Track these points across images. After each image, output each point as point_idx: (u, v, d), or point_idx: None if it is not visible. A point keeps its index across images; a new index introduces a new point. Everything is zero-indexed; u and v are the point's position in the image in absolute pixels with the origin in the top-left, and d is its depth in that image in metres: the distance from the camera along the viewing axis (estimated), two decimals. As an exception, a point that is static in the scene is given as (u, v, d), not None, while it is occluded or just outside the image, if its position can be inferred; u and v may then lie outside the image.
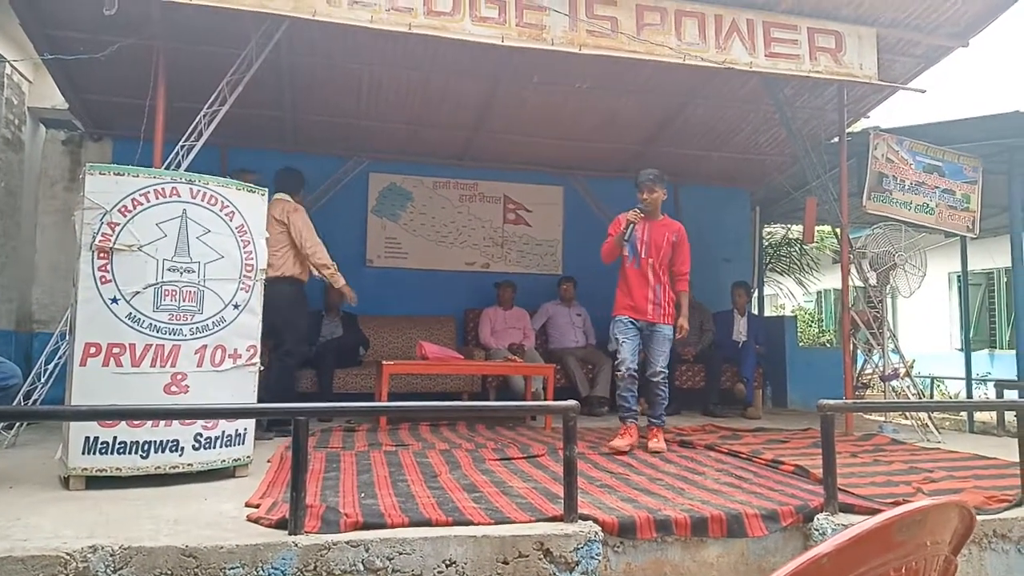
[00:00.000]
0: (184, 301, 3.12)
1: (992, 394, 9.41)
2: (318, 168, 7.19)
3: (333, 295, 6.40)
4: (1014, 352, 9.90)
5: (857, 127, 6.86)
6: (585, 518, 2.65)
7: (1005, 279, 10.82)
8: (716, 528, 2.80)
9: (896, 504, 3.09)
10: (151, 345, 3.06)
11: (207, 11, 4.32)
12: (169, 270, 3.11)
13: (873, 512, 2.95)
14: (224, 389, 3.17)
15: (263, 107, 6.35)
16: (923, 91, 5.67)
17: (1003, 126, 5.74)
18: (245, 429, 3.32)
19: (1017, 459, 3.61)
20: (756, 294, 9.17)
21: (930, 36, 5.58)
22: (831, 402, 3.03)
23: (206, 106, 4.59)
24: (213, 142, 5.12)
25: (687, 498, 3.11)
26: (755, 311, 8.89)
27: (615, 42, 4.89)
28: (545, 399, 5.94)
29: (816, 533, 2.86)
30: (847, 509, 2.94)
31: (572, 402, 2.72)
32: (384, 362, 5.22)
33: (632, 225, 4.58)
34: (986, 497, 3.20)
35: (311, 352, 5.81)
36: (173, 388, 3.07)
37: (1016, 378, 6.96)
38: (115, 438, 2.95)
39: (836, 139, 6.16)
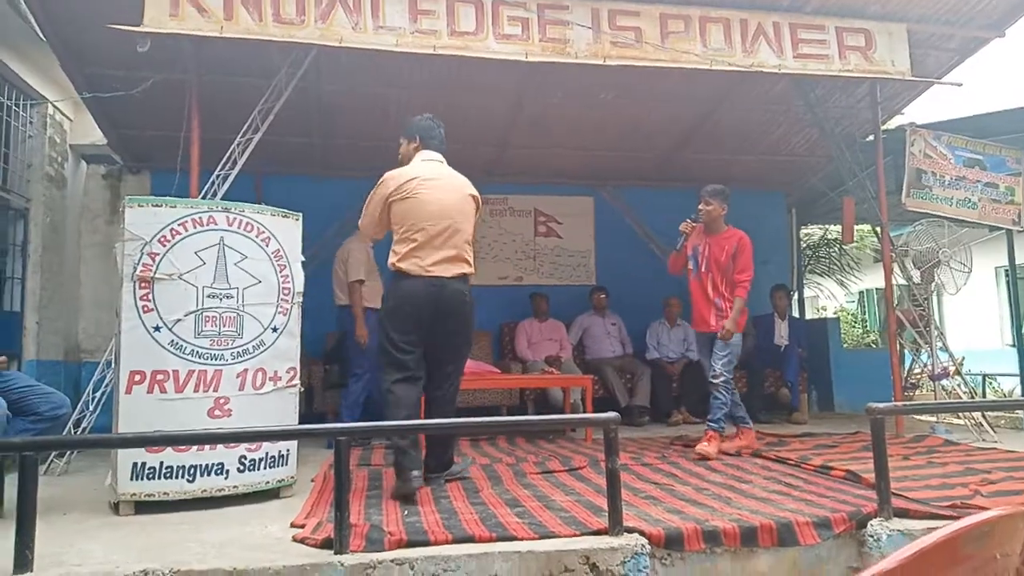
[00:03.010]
0: (224, 326, 3.17)
1: (1049, 391, 9.08)
2: (350, 191, 7.19)
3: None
4: (1069, 347, 9.56)
5: (892, 124, 6.72)
6: (631, 531, 2.61)
7: (1056, 271, 10.44)
8: (766, 537, 2.73)
9: (953, 507, 2.99)
10: (194, 371, 3.11)
11: (237, 43, 4.45)
12: (209, 296, 3.17)
13: (929, 516, 2.85)
14: (266, 411, 3.21)
15: (294, 134, 6.47)
16: (959, 84, 5.54)
17: (1044, 114, 5.58)
18: (288, 450, 3.35)
19: (1080, 458, 3.48)
20: (796, 296, 9.01)
21: (963, 29, 5.45)
22: (880, 405, 2.95)
23: (239, 135, 4.69)
24: (248, 170, 5.23)
25: (735, 507, 3.04)
26: (796, 314, 8.73)
27: (640, 52, 4.88)
28: (584, 410, 5.88)
29: (871, 540, 2.77)
30: (902, 514, 2.85)
31: (612, 414, 2.69)
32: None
33: (684, 236, 4.79)
34: (1050, 498, 3.07)
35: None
36: (216, 412, 3.12)
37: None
38: (162, 463, 3.01)
39: (871, 137, 6.05)
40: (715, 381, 4.56)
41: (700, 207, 4.75)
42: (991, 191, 5.85)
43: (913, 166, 5.74)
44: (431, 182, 3.54)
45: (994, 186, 5.84)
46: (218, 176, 4.64)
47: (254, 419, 3.14)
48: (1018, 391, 8.99)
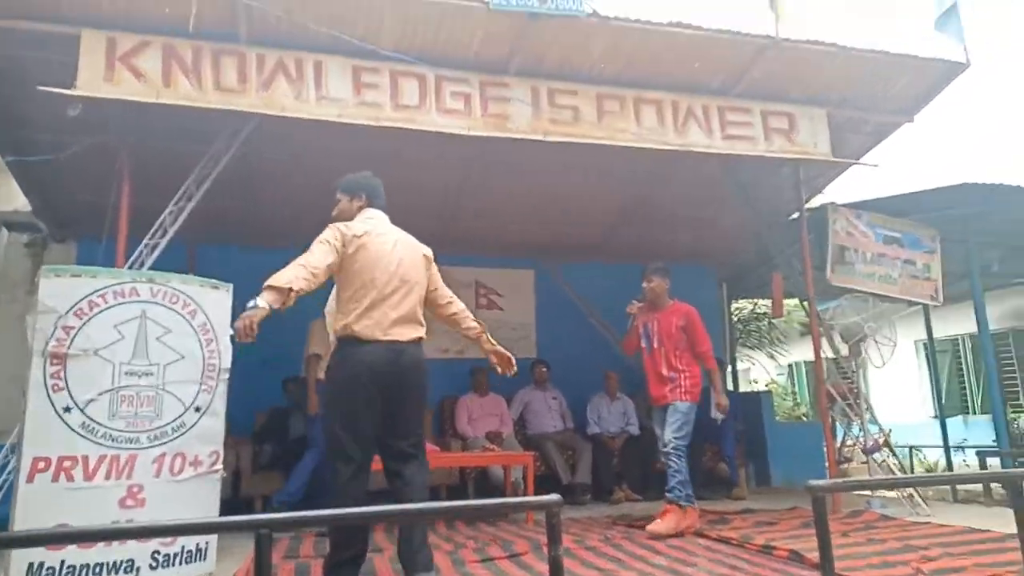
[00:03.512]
0: (142, 407, 2.96)
1: (971, 460, 9.40)
2: (287, 262, 7.10)
3: (293, 388, 6.20)
4: (987, 417, 10.00)
5: (815, 202, 7.04)
6: (577, 625, 2.47)
7: (970, 344, 11.01)
8: (716, 627, 2.63)
9: (897, 588, 2.96)
10: (106, 456, 2.87)
11: (173, 109, 4.35)
12: (126, 374, 2.96)
13: (876, 599, 2.81)
14: (184, 500, 2.97)
15: (231, 202, 6.29)
16: (875, 165, 5.90)
17: (956, 197, 5.94)
18: (207, 543, 3.10)
19: (1011, 531, 3.53)
20: (729, 370, 9.15)
21: (878, 114, 5.83)
22: (821, 483, 2.92)
23: (172, 203, 4.54)
24: (180, 239, 5.05)
25: (682, 594, 2.94)
26: (729, 387, 8.85)
27: (578, 128, 5.02)
28: (525, 488, 5.73)
29: (820, 626, 2.70)
30: (849, 598, 2.80)
31: (555, 496, 2.55)
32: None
33: (632, 317, 4.89)
34: (989, 576, 3.08)
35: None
36: (129, 502, 2.87)
37: (994, 443, 6.95)
38: (63, 562, 2.72)
39: (796, 215, 6.31)
40: (666, 449, 4.56)
41: (644, 284, 4.84)
42: (910, 267, 6.14)
43: (836, 243, 5.99)
44: (384, 236, 3.23)
45: (912, 263, 6.14)
46: (147, 245, 4.44)
47: (170, 509, 2.89)
48: (942, 462, 9.26)
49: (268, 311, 2.85)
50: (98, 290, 2.97)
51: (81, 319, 2.92)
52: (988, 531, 4.30)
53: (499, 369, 3.50)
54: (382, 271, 3.11)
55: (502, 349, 3.51)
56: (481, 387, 6.91)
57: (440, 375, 7.29)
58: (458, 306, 3.50)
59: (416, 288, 3.23)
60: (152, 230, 4.42)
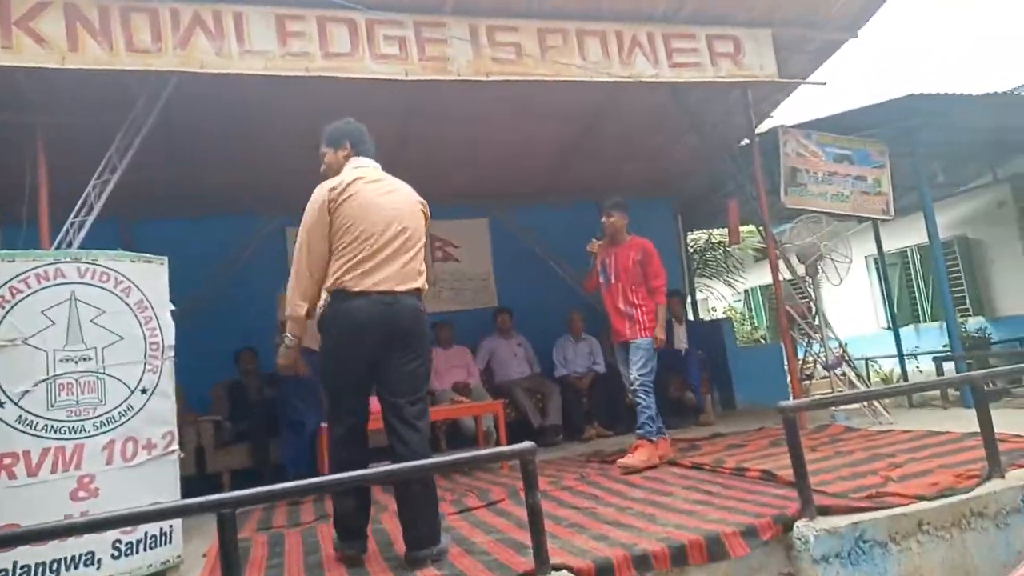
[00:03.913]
0: (83, 393, 2.78)
1: (923, 367, 9.74)
2: (230, 230, 6.85)
3: (245, 358, 6.05)
4: (937, 324, 10.34)
5: (764, 127, 7.00)
6: (558, 568, 2.45)
7: (919, 255, 11.28)
8: (696, 555, 2.64)
9: (869, 496, 3.02)
10: (49, 448, 2.70)
11: (83, 76, 4.03)
12: (62, 361, 2.77)
13: (850, 511, 2.85)
14: (141, 485, 2.83)
15: (160, 172, 5.97)
16: (823, 83, 5.87)
17: (902, 110, 5.94)
18: (171, 526, 2.98)
19: (968, 430, 3.63)
20: (689, 300, 9.23)
21: (822, 32, 5.75)
22: (791, 403, 2.96)
23: (94, 177, 4.25)
24: (110, 215, 4.75)
25: (661, 525, 2.95)
26: (690, 317, 8.94)
27: (521, 67, 4.84)
28: (497, 436, 5.70)
29: (798, 543, 2.74)
30: (824, 511, 2.84)
31: (529, 444, 2.53)
32: (322, 424, 4.88)
33: (592, 255, 4.86)
34: (955, 476, 3.16)
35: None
36: (81, 493, 2.72)
37: (946, 347, 7.18)
38: (16, 563, 2.57)
39: (746, 141, 6.26)
40: (633, 387, 4.57)
41: (603, 219, 4.79)
42: (861, 184, 6.17)
43: (788, 165, 5.97)
44: (376, 184, 2.98)
45: (863, 179, 6.17)
46: (72, 224, 4.16)
47: (128, 496, 2.75)
48: (897, 370, 9.57)
49: (298, 341, 2.97)
50: (18, 275, 2.74)
51: (3, 308, 2.71)
52: (947, 432, 4.44)
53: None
54: (372, 222, 2.88)
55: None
56: (445, 340, 6.82)
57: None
58: None
59: (414, 237, 2.99)
60: (76, 207, 4.14)
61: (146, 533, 2.85)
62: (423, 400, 2.98)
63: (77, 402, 2.77)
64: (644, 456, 4.42)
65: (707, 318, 11.81)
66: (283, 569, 2.93)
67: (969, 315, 10.71)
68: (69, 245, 4.04)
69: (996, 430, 3.38)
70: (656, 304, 4.68)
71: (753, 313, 15.97)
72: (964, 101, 5.91)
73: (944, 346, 8.39)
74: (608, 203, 4.81)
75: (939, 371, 6.47)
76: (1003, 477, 3.12)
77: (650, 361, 4.59)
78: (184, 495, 3.77)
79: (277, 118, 5.67)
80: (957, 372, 6.57)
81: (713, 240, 11.60)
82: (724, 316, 13.16)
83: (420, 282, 2.99)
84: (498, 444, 5.62)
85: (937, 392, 6.39)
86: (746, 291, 15.13)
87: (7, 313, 2.72)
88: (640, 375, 4.54)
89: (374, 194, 2.94)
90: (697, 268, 11.09)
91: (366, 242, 2.85)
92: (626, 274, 4.68)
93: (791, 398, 5.68)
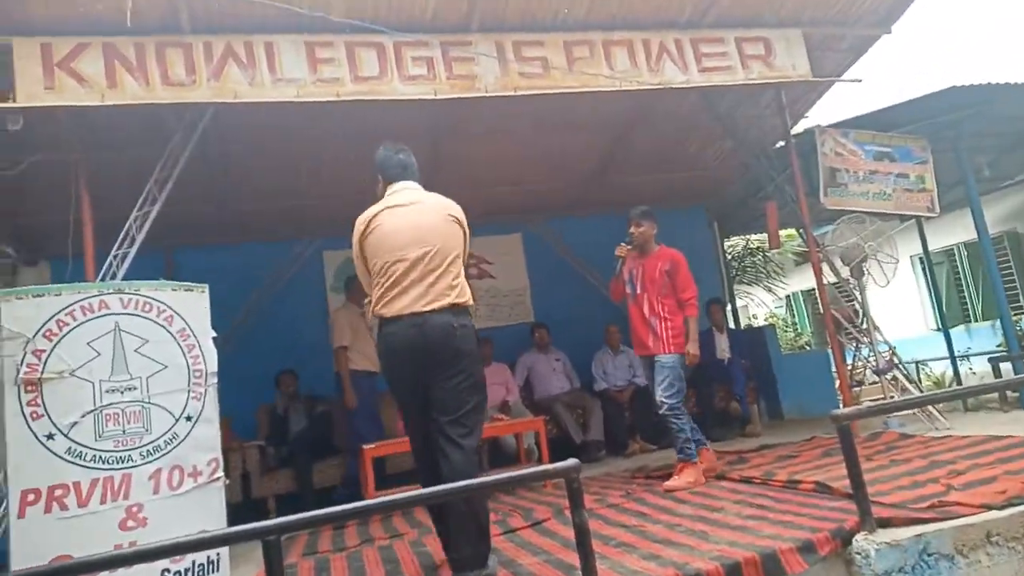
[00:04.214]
0: (129, 423, 2.82)
1: (976, 368, 9.38)
2: (268, 256, 6.95)
3: (286, 382, 6.10)
4: (988, 323, 9.98)
5: (800, 127, 6.87)
6: (610, 590, 2.38)
7: (966, 252, 10.93)
8: (752, 572, 2.55)
9: (932, 506, 2.89)
10: (98, 479, 2.74)
11: (121, 112, 4.13)
12: (108, 391, 2.81)
13: (912, 522, 2.73)
14: (188, 514, 2.84)
15: (201, 202, 6.10)
16: (859, 80, 5.71)
17: (942, 104, 5.77)
18: (219, 554, 2.98)
19: (1035, 434, 3.46)
20: (729, 308, 9.07)
21: (854, 28, 5.62)
22: (846, 411, 2.84)
23: (135, 210, 4.34)
24: (154, 246, 4.87)
25: (713, 542, 2.85)
26: (731, 325, 8.77)
27: (549, 80, 4.82)
28: (539, 453, 5.64)
29: (859, 557, 2.62)
30: (884, 524, 2.72)
31: (573, 461, 2.46)
32: (364, 446, 4.89)
33: (620, 260, 4.71)
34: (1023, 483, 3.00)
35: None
36: (130, 523, 2.75)
37: (1003, 347, 6.91)
38: (68, 593, 2.59)
39: (781, 143, 6.14)
40: (662, 412, 4.36)
41: (631, 230, 4.66)
42: (903, 181, 6.00)
43: (827, 165, 5.83)
44: (401, 208, 3.06)
45: (905, 176, 5.99)
46: (116, 256, 4.25)
47: (175, 524, 2.76)
48: (949, 373, 9.25)
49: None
50: (65, 308, 2.80)
51: (51, 340, 2.76)
52: (1010, 436, 4.24)
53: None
54: (390, 250, 2.97)
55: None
56: (484, 357, 6.78)
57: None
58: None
59: (440, 254, 2.99)
60: (119, 240, 4.23)
61: (194, 562, 2.86)
62: (469, 416, 2.94)
63: (124, 432, 2.80)
64: (691, 478, 4.24)
65: (749, 325, 11.59)
66: (330, 595, 2.91)
67: (1023, 313, 10.33)
68: (113, 277, 4.13)
69: (1064, 432, 3.23)
70: (687, 316, 4.49)
71: (796, 319, 15.64)
72: (1006, 90, 5.72)
73: (999, 346, 8.09)
74: (635, 212, 4.68)
75: (996, 372, 6.23)
76: (1076, 482, 2.96)
77: (677, 381, 4.38)
78: (231, 521, 3.80)
79: (311, 143, 5.76)
80: (1015, 372, 6.32)
81: (751, 246, 11.40)
82: (767, 323, 12.92)
83: (453, 297, 2.97)
84: (540, 461, 5.56)
85: (995, 395, 6.14)
86: (788, 296, 14.84)
87: (55, 346, 2.77)
88: (666, 398, 4.33)
89: (396, 221, 3.03)
90: (736, 275, 10.91)
91: (390, 270, 2.96)
92: (653, 285, 4.53)
93: (840, 406, 5.52)
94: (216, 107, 4.30)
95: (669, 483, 4.27)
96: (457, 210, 3.19)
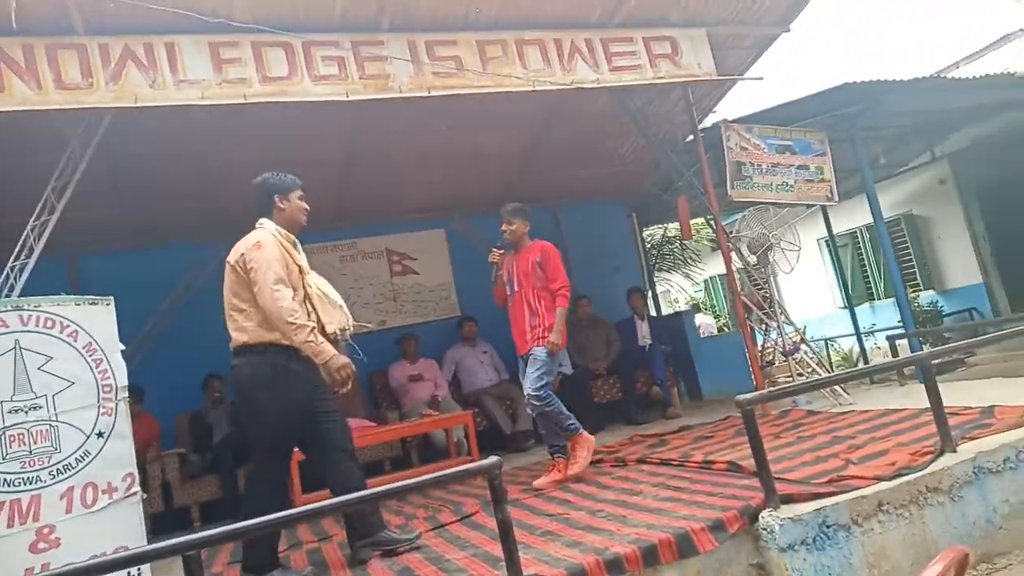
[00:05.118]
0: (36, 442, 2.72)
1: (881, 343, 10.00)
2: (179, 260, 6.70)
3: (213, 386, 5.95)
4: (891, 301, 10.63)
5: (710, 121, 7.14)
6: (532, 580, 2.46)
7: (868, 235, 11.59)
8: (667, 553, 2.68)
9: (831, 481, 3.10)
10: (4, 502, 2.63)
11: (12, 119, 3.92)
12: (11, 412, 2.70)
13: (813, 497, 2.92)
14: (103, 531, 2.77)
15: (104, 207, 5.85)
16: (760, 78, 5.97)
17: (837, 98, 6.12)
18: (139, 570, 2.91)
19: (923, 406, 3.75)
20: (650, 295, 9.35)
21: (755, 28, 5.90)
22: (748, 396, 3.01)
23: (32, 219, 4.13)
24: (56, 254, 4.65)
25: (631, 526, 2.98)
26: (653, 311, 9.06)
27: (463, 80, 4.85)
28: (468, 447, 5.72)
29: (765, 533, 2.79)
30: (788, 500, 2.91)
31: (494, 459, 2.53)
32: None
33: (495, 265, 4.61)
34: (911, 454, 3.26)
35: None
36: (41, 545, 2.66)
37: (900, 325, 7.39)
38: (-25, 624, 2.50)
39: (691, 137, 6.37)
40: (534, 403, 4.27)
41: (503, 228, 4.55)
42: (804, 172, 6.32)
43: (732, 159, 6.09)
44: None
45: (805, 167, 6.32)
46: (12, 268, 4.04)
47: (90, 543, 2.70)
48: (856, 348, 9.82)
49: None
50: (-42, 328, 2.67)
51: (-55, 362, 2.63)
52: (904, 409, 4.57)
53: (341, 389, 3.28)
54: None
55: (336, 364, 3.21)
56: (411, 354, 6.81)
57: (366, 350, 7.10)
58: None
59: (225, 300, 3.24)
60: (15, 251, 4.02)
61: (112, 581, 2.78)
62: (257, 462, 3.26)
63: (30, 452, 2.70)
64: (585, 451, 4.26)
65: (668, 311, 11.96)
66: (256, 604, 2.89)
67: (920, 289, 11.06)
68: (11, 290, 3.93)
69: (948, 403, 3.51)
70: (558, 307, 4.35)
71: (714, 302, 16.24)
72: (894, 87, 6.11)
73: (899, 322, 8.64)
74: (507, 210, 4.55)
75: (892, 349, 6.66)
76: (955, 451, 3.23)
77: (547, 375, 4.28)
78: (154, 532, 3.73)
79: (219, 144, 5.61)
80: (910, 349, 6.78)
81: (669, 235, 11.76)
82: (687, 308, 13.35)
83: (236, 338, 3.17)
84: (469, 454, 5.64)
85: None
86: (706, 281, 15.38)
87: (-51, 368, 2.64)
88: (533, 391, 4.22)
89: None
90: (655, 263, 11.23)
91: None
92: (527, 279, 4.43)
93: (754, 386, 5.81)
94: (115, 111, 4.13)
95: (573, 469, 4.25)
96: (235, 253, 3.24)
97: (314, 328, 3.10)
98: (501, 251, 4.60)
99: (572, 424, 4.33)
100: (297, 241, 3.42)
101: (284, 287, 3.08)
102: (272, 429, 3.12)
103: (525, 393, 4.35)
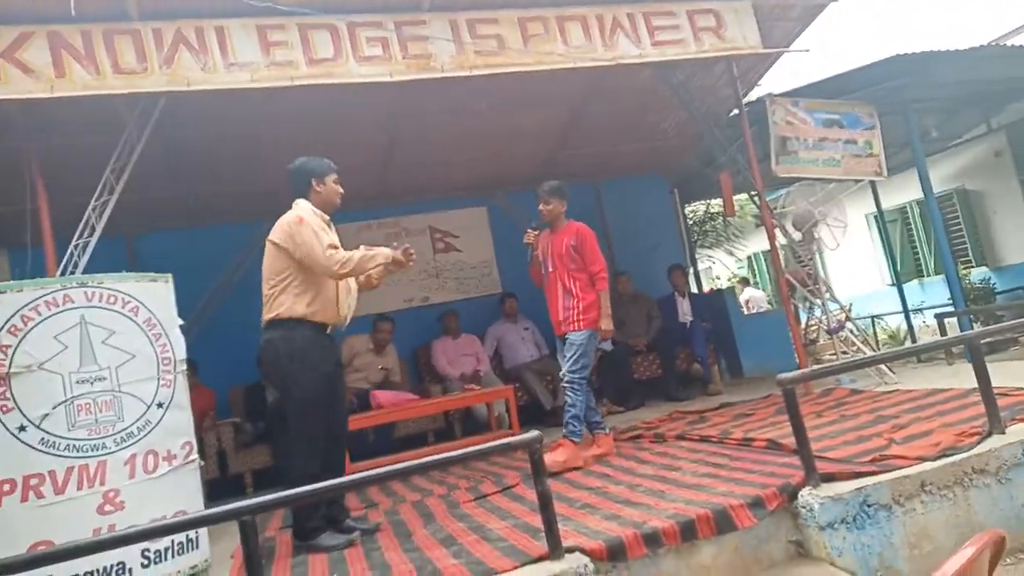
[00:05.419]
0: (102, 412, 2.87)
1: (930, 321, 9.75)
2: (232, 238, 6.88)
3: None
4: (941, 277, 10.33)
5: (754, 95, 7.00)
6: (571, 550, 2.53)
7: (918, 210, 11.26)
8: (705, 528, 2.72)
9: (873, 460, 3.09)
10: (73, 467, 2.79)
11: (73, 100, 4.08)
12: (78, 383, 2.85)
13: (854, 476, 2.92)
14: (164, 495, 2.92)
15: (159, 188, 6.05)
16: (807, 51, 5.85)
17: (888, 70, 5.93)
18: (196, 533, 3.07)
19: (971, 386, 3.69)
20: (691, 272, 9.28)
21: (802, -4, 5.74)
22: (789, 375, 3.01)
23: (93, 199, 4.32)
24: (115, 233, 4.84)
25: (670, 501, 3.03)
26: (694, 289, 8.99)
27: (505, 58, 4.85)
28: (509, 421, 5.81)
29: (804, 511, 2.81)
30: (828, 479, 2.91)
31: (535, 433, 2.60)
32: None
33: (530, 247, 4.60)
34: (956, 435, 3.22)
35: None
36: (107, 507, 2.81)
37: (949, 303, 7.21)
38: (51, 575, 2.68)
39: (735, 112, 6.27)
40: (563, 383, 4.33)
41: (540, 207, 4.52)
42: (851, 147, 6.17)
43: (777, 134, 5.98)
44: None
45: (853, 142, 6.17)
46: (76, 246, 4.24)
47: (151, 506, 2.85)
48: (904, 327, 9.61)
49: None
50: (28, 303, 2.82)
51: (16, 336, 2.79)
52: (951, 389, 4.49)
53: (409, 262, 3.52)
54: None
55: (390, 252, 3.48)
56: (452, 330, 6.92)
57: (409, 324, 7.27)
58: (334, 261, 3.35)
59: (263, 274, 3.48)
60: (78, 230, 4.21)
61: (173, 541, 2.94)
62: (289, 426, 3.38)
63: (96, 421, 2.85)
64: (563, 457, 4.11)
65: (710, 288, 11.84)
66: (307, 566, 3.03)
67: (972, 266, 10.71)
68: (75, 267, 4.13)
69: (999, 383, 3.45)
70: (599, 290, 4.37)
71: (758, 278, 15.99)
72: (946, 57, 5.89)
73: (948, 300, 8.43)
74: (544, 189, 4.51)
75: (941, 328, 6.51)
76: (1004, 433, 3.18)
77: (583, 357, 4.29)
78: (210, 497, 3.91)
79: (265, 127, 5.72)
80: (960, 327, 6.62)
81: (712, 211, 11.60)
82: (728, 285, 13.18)
83: (272, 311, 3.39)
84: (510, 428, 5.74)
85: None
86: (749, 257, 15.14)
87: (21, 341, 2.80)
88: (570, 371, 4.25)
89: None
90: (697, 239, 11.11)
91: None
92: (561, 261, 4.42)
93: (797, 364, 5.76)
94: (169, 95, 4.27)
95: (556, 454, 4.13)
96: (276, 230, 3.44)
97: (363, 256, 3.36)
98: (536, 232, 4.59)
99: (574, 425, 4.27)
100: (331, 221, 3.61)
101: (333, 251, 3.35)
102: (305, 398, 3.32)
103: (561, 372, 4.39)
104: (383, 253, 3.40)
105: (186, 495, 3.03)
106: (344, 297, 3.56)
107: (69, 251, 4.21)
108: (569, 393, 4.29)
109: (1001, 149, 9.96)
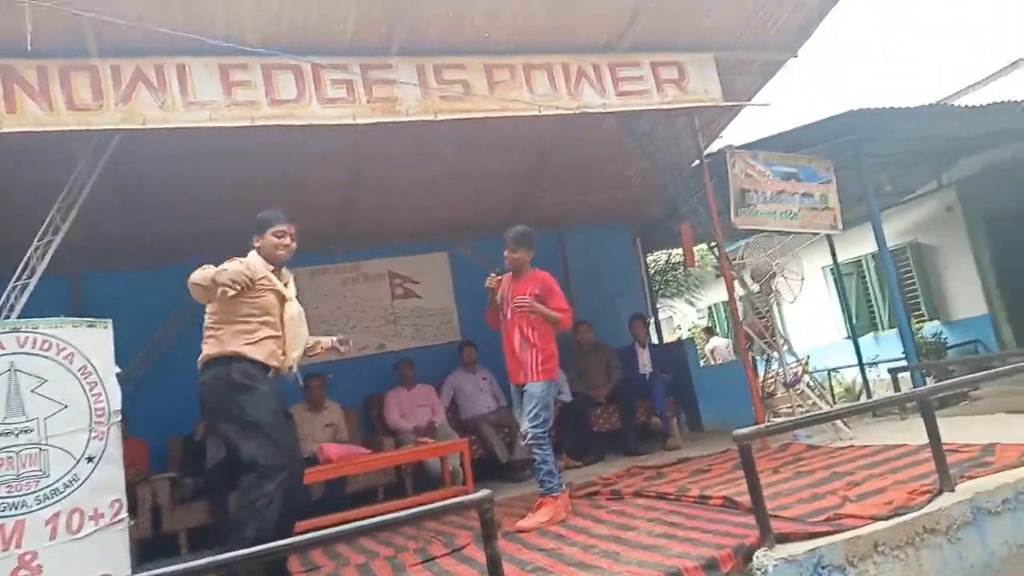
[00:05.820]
0: (24, 467, 2.71)
1: (884, 376, 9.91)
2: (183, 280, 6.71)
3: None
4: (895, 331, 10.55)
5: (713, 148, 7.14)
6: (520, 618, 2.42)
7: (873, 263, 11.54)
8: (658, 593, 2.63)
9: (828, 520, 3.05)
10: (-12, 527, 2.61)
11: (22, 138, 3.96)
12: (2, 435, 2.69)
13: (809, 536, 2.88)
14: (88, 558, 2.75)
15: (110, 226, 5.88)
16: (767, 104, 6.00)
17: (843, 125, 6.10)
18: (125, 597, 2.89)
19: (923, 442, 3.70)
20: (653, 321, 9.31)
21: (762, 53, 5.91)
22: (745, 431, 2.98)
23: (36, 239, 4.15)
24: (59, 272, 4.65)
25: (624, 563, 2.94)
26: (654, 338, 9.00)
27: (470, 104, 4.87)
28: (464, 475, 5.65)
29: (759, 573, 2.75)
30: (783, 539, 2.86)
31: (485, 493, 2.50)
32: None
33: (491, 291, 4.50)
34: (908, 493, 3.21)
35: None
36: (22, 572, 2.64)
37: (903, 357, 7.32)
38: (-44, 651, 2.47)
39: (696, 163, 6.37)
40: (526, 442, 4.21)
41: (506, 254, 4.46)
42: (808, 200, 6.29)
43: (737, 186, 6.07)
44: None
45: (810, 195, 6.29)
46: (14, 288, 4.05)
47: (73, 571, 2.67)
48: (859, 380, 9.73)
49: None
50: (-48, 349, 2.67)
51: (-63, 383, 2.63)
52: (904, 445, 4.51)
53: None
54: None
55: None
56: (408, 380, 6.77)
57: (363, 373, 7.08)
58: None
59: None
60: (17, 271, 4.03)
61: (96, 608, 2.76)
62: (247, 479, 3.12)
63: (17, 477, 2.69)
64: (546, 516, 4.00)
65: (671, 339, 11.91)
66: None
67: (925, 320, 10.96)
68: (11, 310, 3.93)
69: (950, 439, 3.47)
70: (562, 331, 4.41)
71: (717, 329, 16.16)
72: (901, 114, 6.10)
73: (902, 354, 8.57)
74: (511, 235, 4.44)
75: (895, 382, 6.59)
76: (953, 490, 3.18)
77: (544, 411, 4.18)
78: (141, 559, 3.70)
79: (226, 165, 5.63)
80: (913, 382, 6.72)
81: (673, 260, 11.75)
82: (688, 336, 13.30)
83: (206, 353, 3.29)
84: (464, 483, 5.57)
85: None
86: (709, 307, 15.32)
87: (-59, 389, 2.64)
88: (532, 427, 4.12)
89: None
90: (659, 289, 11.21)
91: None
92: (520, 309, 4.36)
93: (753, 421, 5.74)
94: (125, 132, 4.17)
95: (522, 523, 4.02)
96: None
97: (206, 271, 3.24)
98: (499, 276, 4.51)
99: (550, 482, 4.13)
100: (284, 270, 3.55)
101: (212, 268, 3.24)
102: (259, 421, 3.09)
103: (521, 430, 4.26)
104: (218, 270, 3.24)
105: (112, 558, 2.86)
106: (290, 343, 3.41)
107: (6, 293, 4.01)
108: (536, 451, 4.16)
109: (952, 204, 10.29)
